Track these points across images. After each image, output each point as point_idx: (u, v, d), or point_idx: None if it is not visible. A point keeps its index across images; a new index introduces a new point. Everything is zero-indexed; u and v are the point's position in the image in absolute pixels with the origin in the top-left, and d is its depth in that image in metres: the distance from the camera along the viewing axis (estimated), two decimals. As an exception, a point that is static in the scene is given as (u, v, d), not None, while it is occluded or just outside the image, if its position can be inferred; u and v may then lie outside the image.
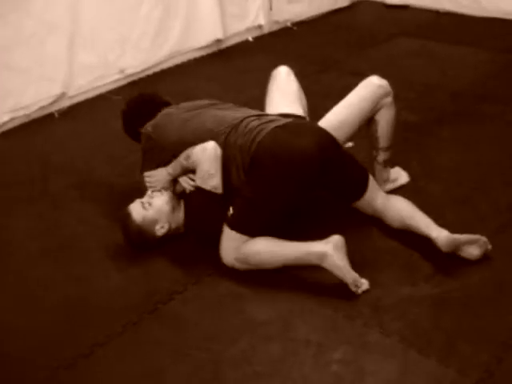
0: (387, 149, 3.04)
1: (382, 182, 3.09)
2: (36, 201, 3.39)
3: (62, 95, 4.43)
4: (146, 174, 2.94)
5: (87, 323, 2.53)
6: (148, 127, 2.97)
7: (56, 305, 2.64)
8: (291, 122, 2.78)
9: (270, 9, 5.70)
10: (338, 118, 2.91)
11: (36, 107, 4.31)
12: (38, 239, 3.07)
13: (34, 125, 4.28)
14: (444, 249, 2.59)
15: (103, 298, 2.65)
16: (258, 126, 2.73)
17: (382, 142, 3.01)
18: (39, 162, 3.80)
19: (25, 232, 3.15)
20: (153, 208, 2.81)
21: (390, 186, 3.13)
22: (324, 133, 2.76)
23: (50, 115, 4.39)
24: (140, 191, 2.98)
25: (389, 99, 2.94)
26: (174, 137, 2.88)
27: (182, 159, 2.80)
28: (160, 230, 2.82)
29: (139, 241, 2.84)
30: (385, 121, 2.96)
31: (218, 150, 2.72)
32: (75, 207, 3.29)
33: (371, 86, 2.93)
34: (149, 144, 2.97)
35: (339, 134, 2.83)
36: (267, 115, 2.89)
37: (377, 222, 2.88)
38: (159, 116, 3.00)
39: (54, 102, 4.40)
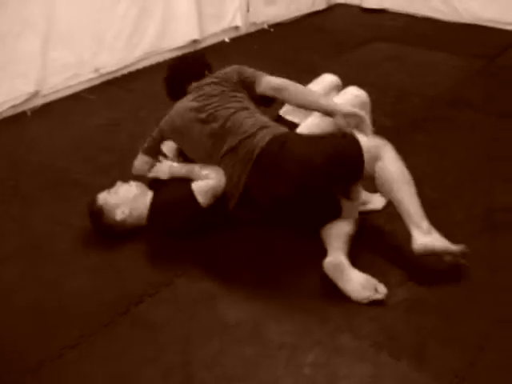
0: None
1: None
2: (7, 201, 3.34)
3: (36, 93, 4.38)
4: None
5: (57, 325, 2.49)
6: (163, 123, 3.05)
7: (25, 306, 2.59)
8: (276, 154, 2.67)
9: (248, 10, 5.72)
10: (315, 125, 2.89)
11: (8, 105, 4.25)
12: (9, 240, 3.02)
13: (6, 123, 4.21)
14: (416, 252, 2.57)
15: (74, 300, 2.62)
16: (247, 157, 2.71)
17: None
18: (10, 162, 3.75)
19: (-5, 232, 3.10)
20: (117, 195, 2.91)
21: (359, 208, 2.98)
22: (302, 168, 2.64)
23: (23, 114, 4.33)
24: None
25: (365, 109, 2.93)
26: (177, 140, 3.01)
27: (193, 172, 2.85)
28: (120, 214, 2.88)
29: (101, 223, 2.90)
30: None
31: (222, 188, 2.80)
32: (47, 207, 3.25)
33: (347, 95, 2.97)
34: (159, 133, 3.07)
35: None
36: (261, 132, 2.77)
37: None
38: (176, 108, 3.02)
39: (27, 100, 4.34)
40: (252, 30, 5.81)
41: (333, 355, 2.27)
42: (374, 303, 2.46)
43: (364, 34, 5.67)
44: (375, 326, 2.38)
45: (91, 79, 4.71)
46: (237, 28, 5.71)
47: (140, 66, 5.00)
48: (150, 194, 2.95)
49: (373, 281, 2.48)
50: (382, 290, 2.47)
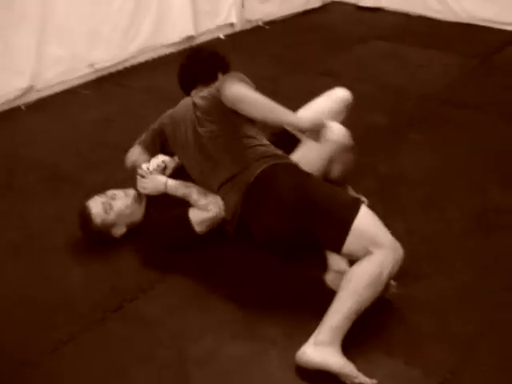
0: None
1: None
2: (0, 196, 3.33)
3: (30, 88, 4.36)
4: (144, 172, 2.83)
5: (51, 321, 2.49)
6: (165, 117, 2.93)
7: (19, 301, 2.59)
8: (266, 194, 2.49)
9: (242, 7, 5.71)
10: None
11: (2, 100, 4.23)
12: (2, 235, 3.02)
13: (0, 118, 4.19)
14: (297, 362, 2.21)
15: (67, 296, 2.61)
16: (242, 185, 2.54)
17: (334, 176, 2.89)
18: (5, 156, 3.73)
19: (-12, 227, 3.09)
20: (113, 211, 2.80)
21: None
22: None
23: (17, 108, 4.31)
24: (106, 188, 2.93)
25: (344, 155, 2.80)
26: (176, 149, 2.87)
27: (190, 198, 2.73)
28: (117, 232, 2.85)
29: (97, 239, 2.85)
30: (336, 172, 2.85)
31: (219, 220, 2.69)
32: (41, 203, 3.24)
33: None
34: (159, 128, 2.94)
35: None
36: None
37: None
38: (179, 108, 2.89)
39: (22, 95, 4.33)
40: (247, 27, 5.80)
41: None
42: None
43: (360, 33, 5.66)
44: (369, 324, 2.38)
45: (86, 74, 4.69)
46: (232, 25, 5.69)
47: (135, 61, 4.98)
48: (144, 201, 2.88)
49: None
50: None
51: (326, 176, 2.84)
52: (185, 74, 3.07)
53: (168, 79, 4.66)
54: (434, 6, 5.88)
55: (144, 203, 2.89)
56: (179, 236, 2.77)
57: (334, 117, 2.88)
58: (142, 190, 2.85)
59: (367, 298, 2.22)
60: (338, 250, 2.37)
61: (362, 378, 2.09)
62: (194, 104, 2.77)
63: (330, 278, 2.54)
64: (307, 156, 2.76)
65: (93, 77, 4.73)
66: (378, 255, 2.25)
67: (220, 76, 2.92)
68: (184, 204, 2.74)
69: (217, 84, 2.73)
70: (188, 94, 3.00)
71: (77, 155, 3.69)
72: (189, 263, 2.75)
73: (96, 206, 2.79)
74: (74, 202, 2.99)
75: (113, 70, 4.84)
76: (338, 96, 3.04)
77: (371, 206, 3.02)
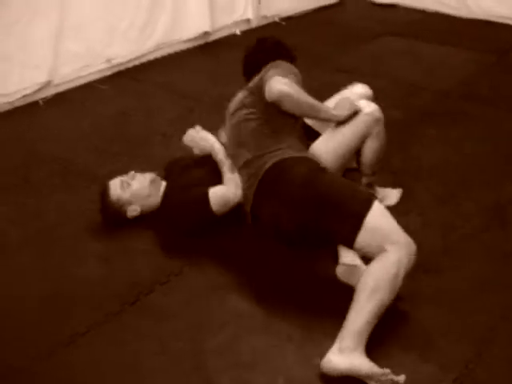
0: (371, 175, 2.97)
1: None
2: (18, 189, 3.36)
3: (48, 83, 4.39)
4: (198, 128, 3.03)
5: (67, 313, 2.51)
6: None
7: (36, 293, 2.61)
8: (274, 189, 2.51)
9: (259, 3, 5.70)
10: (326, 150, 2.78)
11: (20, 95, 4.26)
12: (19, 227, 3.04)
13: (18, 112, 4.23)
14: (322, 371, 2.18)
15: (84, 288, 2.63)
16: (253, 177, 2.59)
17: (366, 168, 2.93)
18: (22, 150, 3.76)
19: (5, 220, 3.12)
20: (130, 190, 2.87)
21: None
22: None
23: (35, 103, 4.34)
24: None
25: (378, 128, 2.81)
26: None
27: (223, 165, 2.84)
28: (132, 212, 2.90)
29: (111, 216, 2.92)
30: (370, 150, 2.85)
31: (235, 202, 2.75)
32: (57, 196, 3.27)
33: (361, 117, 2.78)
34: None
35: (328, 163, 2.71)
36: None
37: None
38: None
39: (39, 89, 4.36)
40: (263, 22, 5.80)
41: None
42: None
43: (375, 29, 5.66)
44: (383, 320, 2.38)
45: (103, 69, 4.72)
46: (248, 21, 5.70)
47: (151, 57, 5.01)
48: (163, 186, 2.94)
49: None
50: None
51: (358, 160, 2.90)
52: (248, 63, 3.10)
53: (184, 75, 4.72)
54: (450, 2, 5.86)
55: (162, 189, 2.92)
56: (197, 215, 2.78)
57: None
58: (188, 142, 3.00)
59: (386, 299, 2.20)
60: (350, 244, 2.36)
61: (392, 375, 2.07)
62: (245, 89, 2.85)
63: (340, 271, 2.53)
64: (339, 136, 2.79)
65: (110, 72, 4.76)
66: (392, 254, 2.23)
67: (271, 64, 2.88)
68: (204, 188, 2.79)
69: (262, 73, 2.79)
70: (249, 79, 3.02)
71: (93, 149, 3.71)
72: (205, 256, 2.77)
73: (114, 183, 2.90)
74: (91, 196, 3.02)
75: (129, 65, 4.86)
76: (358, 91, 3.05)
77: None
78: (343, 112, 2.74)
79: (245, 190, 2.65)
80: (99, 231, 2.95)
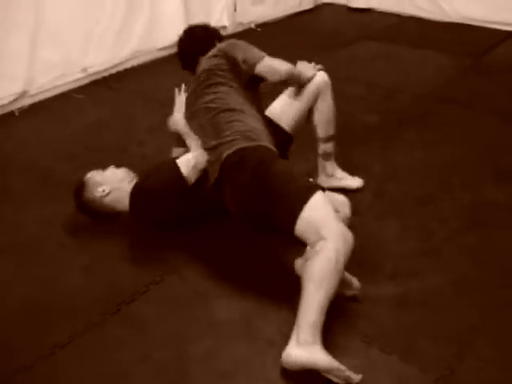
0: (326, 140, 3.11)
1: (325, 176, 3.16)
2: (-4, 200, 3.34)
3: (23, 93, 4.37)
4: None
5: (48, 324, 2.49)
6: None
7: (16, 305, 2.59)
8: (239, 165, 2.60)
9: (234, 10, 5.72)
10: (281, 110, 3.02)
11: (-4, 105, 4.24)
12: (-2, 239, 3.02)
13: (-6, 123, 4.21)
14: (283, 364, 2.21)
15: (64, 299, 2.61)
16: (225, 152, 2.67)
17: (320, 131, 3.09)
18: (-1, 161, 3.74)
19: (-16, 232, 3.09)
20: (104, 174, 2.96)
21: (334, 183, 3.16)
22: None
23: (11, 114, 4.32)
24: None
25: (326, 90, 3.01)
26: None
27: (190, 135, 2.90)
28: (100, 192, 2.90)
29: (81, 196, 2.93)
30: (321, 110, 3.03)
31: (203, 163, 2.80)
32: (36, 206, 3.24)
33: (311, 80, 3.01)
34: None
35: (283, 122, 3.01)
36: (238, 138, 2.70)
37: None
38: None
39: (15, 100, 4.33)
40: (239, 29, 5.82)
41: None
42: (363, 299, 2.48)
43: (351, 33, 5.69)
44: (366, 322, 2.39)
45: (79, 79, 4.71)
46: (224, 28, 5.70)
47: (128, 65, 5.00)
48: (135, 179, 2.94)
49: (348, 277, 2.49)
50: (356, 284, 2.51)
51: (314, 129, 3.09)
52: (185, 53, 3.16)
53: (160, 82, 4.71)
54: (425, 6, 5.92)
55: (134, 180, 2.92)
56: (169, 184, 2.79)
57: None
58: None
59: (332, 287, 2.24)
60: (290, 232, 2.41)
61: (348, 372, 2.10)
62: (203, 70, 2.92)
63: (298, 264, 2.55)
64: (293, 97, 3.02)
65: (86, 81, 4.75)
66: (330, 243, 2.27)
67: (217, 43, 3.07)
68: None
69: (221, 52, 2.91)
70: (193, 71, 3.06)
71: (70, 159, 3.69)
72: (184, 262, 2.77)
73: (93, 170, 3.01)
74: (69, 207, 3.00)
75: (106, 74, 4.85)
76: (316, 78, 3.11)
77: (366, 205, 3.07)
78: (313, 71, 3.01)
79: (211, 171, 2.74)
80: (79, 240, 2.93)
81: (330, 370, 2.10)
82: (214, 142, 2.72)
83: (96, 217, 2.96)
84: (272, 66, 2.87)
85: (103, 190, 2.90)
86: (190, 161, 2.79)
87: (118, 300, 2.57)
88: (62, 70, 4.55)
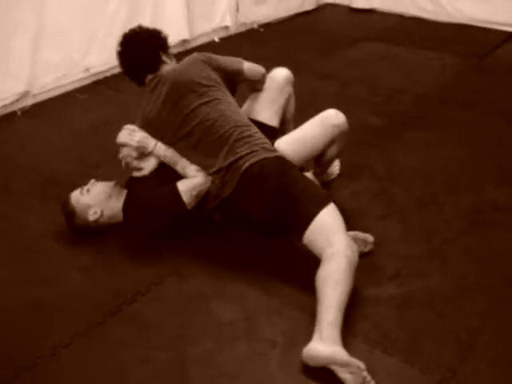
0: (322, 171, 3.15)
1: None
2: (-2, 201, 3.34)
3: (26, 93, 4.36)
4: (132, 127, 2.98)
5: (50, 324, 2.49)
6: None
7: (18, 306, 2.59)
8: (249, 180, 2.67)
9: (237, 10, 5.72)
10: (290, 149, 2.85)
11: (-2, 105, 4.24)
12: (1, 240, 3.01)
13: (-4, 123, 4.21)
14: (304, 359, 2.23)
15: (66, 299, 2.61)
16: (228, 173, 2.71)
17: (321, 166, 3.10)
18: (1, 161, 3.73)
19: (-14, 232, 3.09)
20: (90, 195, 2.90)
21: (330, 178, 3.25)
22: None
23: (13, 114, 4.31)
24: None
25: (342, 138, 2.91)
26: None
27: (179, 163, 2.83)
28: (93, 215, 2.89)
29: (74, 224, 2.92)
30: (330, 155, 2.97)
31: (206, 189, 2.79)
32: (38, 207, 3.24)
33: (327, 126, 2.85)
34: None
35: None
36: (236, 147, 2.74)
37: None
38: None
39: (17, 100, 4.33)
40: (242, 29, 5.82)
41: (325, 352, 2.27)
42: (366, 300, 2.48)
43: (354, 34, 5.69)
44: (368, 323, 2.39)
45: (81, 79, 4.70)
46: (226, 28, 5.71)
47: (130, 65, 4.98)
48: (124, 194, 2.93)
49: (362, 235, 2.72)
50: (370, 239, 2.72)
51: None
52: (131, 68, 3.00)
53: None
54: (427, 6, 5.91)
55: (123, 194, 2.93)
56: (170, 211, 2.79)
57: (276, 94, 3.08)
58: (129, 141, 2.91)
59: (348, 288, 2.32)
60: (299, 238, 2.50)
61: (365, 372, 2.11)
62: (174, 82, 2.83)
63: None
64: (305, 141, 2.90)
65: (88, 81, 4.75)
66: (340, 250, 2.37)
67: (163, 55, 2.97)
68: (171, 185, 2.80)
69: (202, 62, 2.89)
70: (142, 83, 2.99)
71: (73, 159, 3.69)
72: (184, 263, 2.76)
73: (75, 193, 2.93)
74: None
75: (108, 74, 4.84)
76: (281, 74, 3.13)
77: (369, 206, 3.07)
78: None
79: (217, 189, 2.74)
80: (80, 242, 2.93)
81: (349, 366, 2.12)
82: (226, 162, 2.70)
83: (95, 235, 2.95)
84: (252, 67, 3.01)
85: (95, 213, 2.89)
86: (193, 189, 2.76)
87: (119, 300, 2.57)
88: (64, 71, 4.55)
